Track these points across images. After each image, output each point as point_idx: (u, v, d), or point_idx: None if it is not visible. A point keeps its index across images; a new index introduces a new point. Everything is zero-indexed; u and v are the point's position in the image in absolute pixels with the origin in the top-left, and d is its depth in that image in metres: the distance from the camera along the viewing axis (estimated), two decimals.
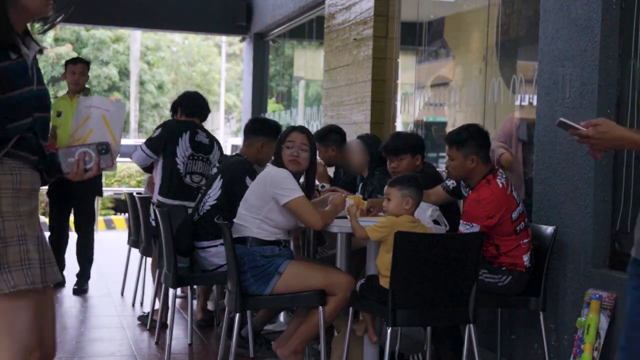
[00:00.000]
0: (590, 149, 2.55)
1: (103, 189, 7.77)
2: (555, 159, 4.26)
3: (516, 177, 4.98)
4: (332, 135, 5.63)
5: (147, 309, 6.22)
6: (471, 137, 4.08)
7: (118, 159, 2.77)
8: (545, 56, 4.38)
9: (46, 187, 6.99)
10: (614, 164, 3.99)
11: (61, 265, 6.90)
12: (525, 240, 4.09)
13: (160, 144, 5.65)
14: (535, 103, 4.63)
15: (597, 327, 3.72)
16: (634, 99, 3.92)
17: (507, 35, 5.29)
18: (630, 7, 3.93)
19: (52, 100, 6.64)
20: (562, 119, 2.63)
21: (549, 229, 4.15)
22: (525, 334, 4.45)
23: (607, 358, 3.77)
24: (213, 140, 5.84)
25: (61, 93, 7.43)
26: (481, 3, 5.68)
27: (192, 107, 5.85)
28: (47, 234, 7.44)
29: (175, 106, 5.92)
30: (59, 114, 6.81)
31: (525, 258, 4.06)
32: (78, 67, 6.92)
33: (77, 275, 6.94)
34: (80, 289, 6.84)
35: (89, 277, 6.99)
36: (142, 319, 5.76)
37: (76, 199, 6.86)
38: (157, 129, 5.81)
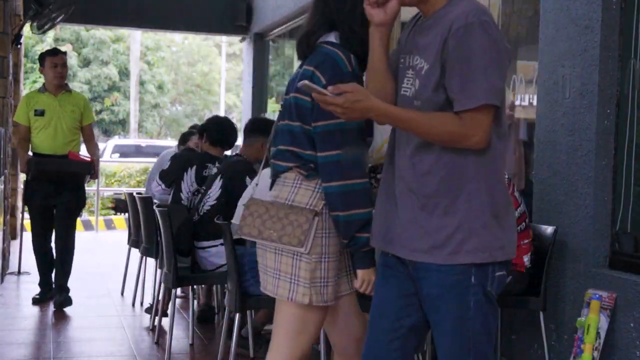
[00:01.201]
0: (338, 115, 2.27)
1: (103, 189, 7.52)
2: (555, 159, 4.26)
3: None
4: None
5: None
6: None
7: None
8: (545, 56, 4.38)
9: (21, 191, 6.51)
10: (613, 164, 3.99)
11: (50, 283, 6.33)
12: (526, 241, 4.08)
13: (170, 176, 5.57)
14: (535, 103, 4.63)
15: (597, 327, 3.72)
16: (634, 99, 3.92)
17: (507, 35, 5.29)
18: (630, 7, 3.93)
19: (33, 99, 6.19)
20: (303, 82, 2.30)
21: (549, 229, 4.15)
22: (525, 334, 4.45)
23: (607, 358, 3.77)
24: None
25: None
26: (481, 3, 5.67)
27: (217, 134, 5.53)
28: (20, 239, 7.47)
29: (202, 131, 5.68)
30: (40, 113, 6.12)
31: (526, 259, 4.06)
32: (59, 58, 6.22)
33: (55, 288, 6.23)
34: (64, 302, 6.11)
35: (68, 290, 6.23)
36: (148, 310, 5.77)
37: (60, 204, 6.15)
38: (170, 160, 5.72)
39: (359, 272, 2.69)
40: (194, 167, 5.47)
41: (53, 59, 6.19)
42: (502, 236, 2.31)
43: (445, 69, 2.25)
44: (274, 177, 2.78)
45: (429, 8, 2.39)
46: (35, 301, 6.29)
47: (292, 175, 2.71)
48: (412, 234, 2.33)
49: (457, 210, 2.27)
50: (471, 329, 2.32)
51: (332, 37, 2.70)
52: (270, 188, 2.80)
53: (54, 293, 6.21)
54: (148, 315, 5.84)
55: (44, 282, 6.38)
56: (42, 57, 6.28)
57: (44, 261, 6.32)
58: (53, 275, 6.34)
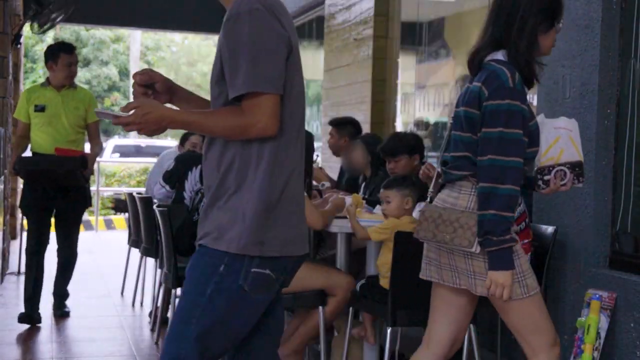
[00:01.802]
0: (139, 132, 2.31)
1: (103, 189, 7.30)
2: None
3: None
4: (349, 127, 5.76)
5: (147, 309, 6.22)
6: None
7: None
8: (545, 56, 4.37)
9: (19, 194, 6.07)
10: (613, 164, 3.99)
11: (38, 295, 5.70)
12: (526, 241, 4.07)
13: (174, 177, 5.56)
14: (535, 103, 4.63)
15: (597, 327, 3.71)
16: (634, 99, 3.91)
17: None
18: (630, 7, 3.93)
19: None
20: (96, 109, 2.46)
21: (549, 229, 4.14)
22: None
23: (607, 358, 3.77)
24: None
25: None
26: (481, 3, 5.68)
27: None
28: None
29: None
30: (41, 109, 5.59)
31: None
32: (74, 56, 5.72)
33: (55, 296, 5.93)
34: (62, 312, 5.88)
35: (67, 296, 5.97)
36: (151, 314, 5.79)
37: (60, 209, 5.70)
38: (174, 161, 5.71)
39: (488, 273, 2.77)
40: (199, 167, 5.47)
41: (69, 57, 5.66)
42: (265, 232, 2.30)
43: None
44: (446, 182, 2.93)
45: (226, 2, 2.38)
46: (22, 318, 5.61)
47: (468, 184, 2.85)
48: (201, 225, 2.39)
49: (230, 201, 2.30)
50: (198, 316, 2.29)
51: (499, 55, 2.85)
52: (439, 191, 2.97)
53: (53, 303, 5.91)
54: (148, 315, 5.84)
55: (28, 297, 5.66)
56: (55, 52, 5.67)
57: (34, 274, 5.67)
58: (52, 279, 5.97)
